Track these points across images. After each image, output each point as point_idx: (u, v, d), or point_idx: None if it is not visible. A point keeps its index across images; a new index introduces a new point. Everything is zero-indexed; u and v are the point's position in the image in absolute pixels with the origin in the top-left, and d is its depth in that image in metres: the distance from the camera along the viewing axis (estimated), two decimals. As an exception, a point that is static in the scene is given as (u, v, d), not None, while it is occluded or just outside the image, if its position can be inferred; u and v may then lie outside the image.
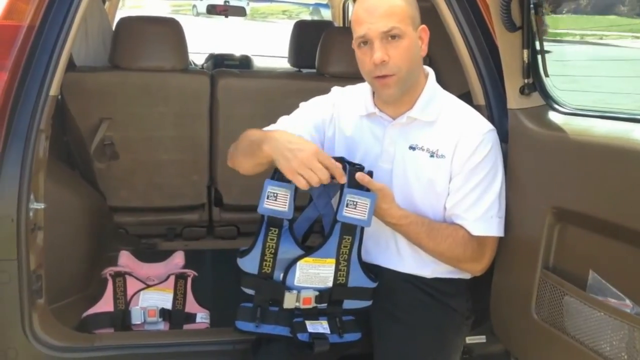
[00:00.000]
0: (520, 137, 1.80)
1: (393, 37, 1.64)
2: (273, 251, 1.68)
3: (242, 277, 1.73)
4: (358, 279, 1.72)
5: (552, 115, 1.76)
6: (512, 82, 1.82)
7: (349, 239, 1.68)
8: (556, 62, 1.84)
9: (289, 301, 1.70)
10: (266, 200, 1.64)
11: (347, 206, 1.63)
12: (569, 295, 1.58)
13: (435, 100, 1.76)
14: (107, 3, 3.76)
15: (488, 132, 1.74)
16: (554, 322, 1.63)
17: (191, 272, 2.34)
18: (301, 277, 1.68)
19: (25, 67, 1.80)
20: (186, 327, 2.17)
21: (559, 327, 1.61)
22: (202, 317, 2.20)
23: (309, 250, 1.69)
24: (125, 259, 2.40)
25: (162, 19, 2.99)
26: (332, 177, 1.63)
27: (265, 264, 1.69)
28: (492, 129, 1.77)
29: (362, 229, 1.68)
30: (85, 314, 2.13)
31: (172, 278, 2.30)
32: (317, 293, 1.70)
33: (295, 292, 1.69)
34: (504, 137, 1.83)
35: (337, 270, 1.69)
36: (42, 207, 1.85)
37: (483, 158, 1.71)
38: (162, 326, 2.15)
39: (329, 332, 1.71)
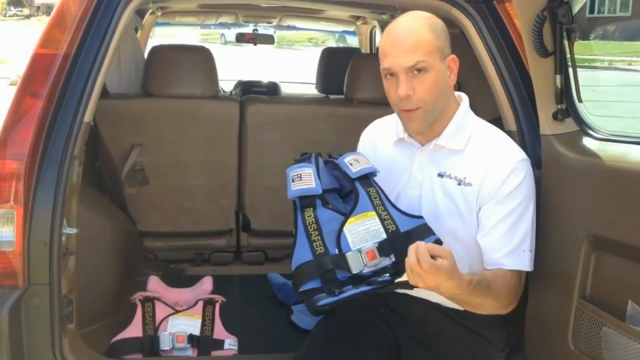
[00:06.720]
0: (554, 163, 1.77)
1: (419, 70, 1.61)
2: (316, 227, 1.60)
3: (299, 273, 1.54)
4: (405, 222, 1.62)
5: (587, 141, 1.73)
6: (545, 107, 1.80)
7: (374, 190, 1.66)
8: (586, 87, 1.81)
9: (355, 262, 1.55)
10: (292, 183, 1.65)
11: (351, 165, 1.68)
12: (607, 326, 1.53)
13: (465, 128, 1.73)
14: (139, 32, 3.84)
15: (520, 161, 1.68)
16: (591, 354, 1.59)
17: (219, 298, 2.34)
18: (354, 239, 1.58)
19: (60, 94, 1.84)
20: (214, 353, 2.16)
21: (597, 359, 1.56)
22: (230, 343, 2.19)
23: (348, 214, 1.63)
24: (155, 284, 2.41)
25: (193, 47, 3.04)
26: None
27: (316, 245, 1.58)
28: (525, 158, 1.71)
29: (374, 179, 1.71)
30: (114, 339, 2.14)
31: (201, 303, 2.30)
32: (377, 244, 1.57)
33: (356, 251, 1.56)
34: (536, 163, 1.80)
35: (381, 220, 1.61)
36: (75, 232, 1.87)
37: (514, 189, 1.65)
38: (190, 352, 2.15)
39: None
